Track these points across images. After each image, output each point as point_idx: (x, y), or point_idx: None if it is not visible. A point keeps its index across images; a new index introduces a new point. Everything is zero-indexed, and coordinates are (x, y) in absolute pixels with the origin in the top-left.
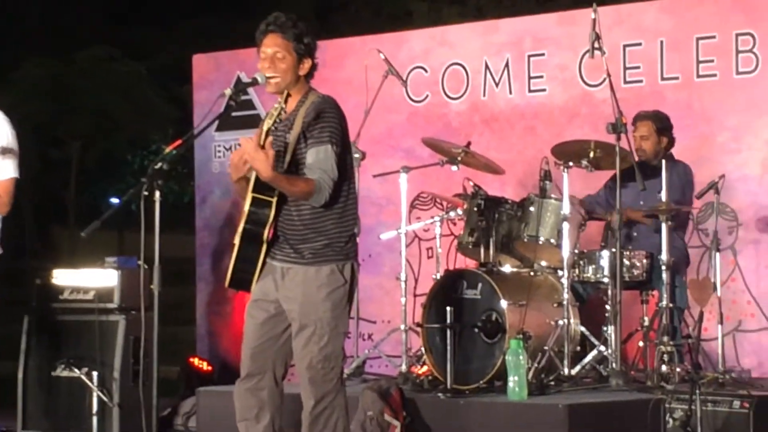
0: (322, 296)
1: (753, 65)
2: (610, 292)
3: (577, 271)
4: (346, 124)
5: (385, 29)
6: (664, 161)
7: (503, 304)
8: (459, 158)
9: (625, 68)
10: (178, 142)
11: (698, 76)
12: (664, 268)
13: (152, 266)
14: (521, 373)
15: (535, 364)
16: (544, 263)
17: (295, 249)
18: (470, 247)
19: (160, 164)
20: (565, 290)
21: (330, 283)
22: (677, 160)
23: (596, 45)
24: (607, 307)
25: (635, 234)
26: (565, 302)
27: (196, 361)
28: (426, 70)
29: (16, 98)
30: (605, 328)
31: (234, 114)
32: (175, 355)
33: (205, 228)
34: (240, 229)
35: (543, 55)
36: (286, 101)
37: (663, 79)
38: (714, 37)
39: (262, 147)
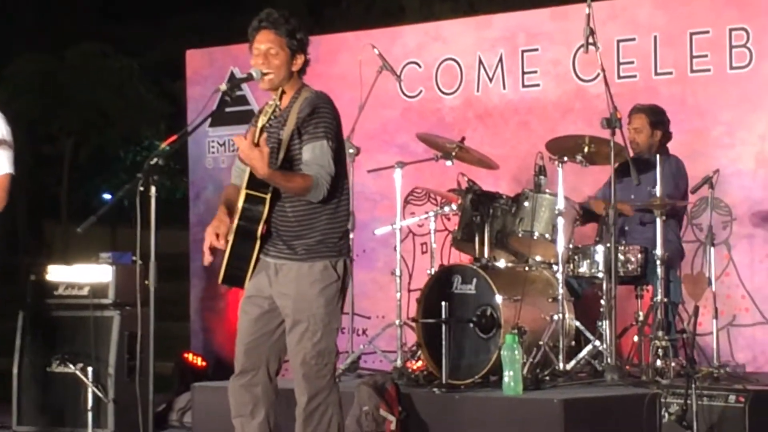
0: (315, 292)
1: (747, 60)
2: (604, 286)
3: (571, 266)
4: (339, 120)
5: (377, 25)
6: (658, 155)
7: (498, 299)
8: (453, 153)
9: (619, 63)
10: (174, 137)
11: (692, 71)
12: (658, 262)
13: (147, 262)
14: (516, 368)
15: (530, 359)
16: (538, 258)
17: (288, 245)
18: (465, 242)
19: (155, 160)
20: (560, 285)
21: (323, 279)
22: (671, 155)
23: (591, 40)
24: (602, 302)
25: (626, 228)
26: (560, 297)
27: (190, 356)
28: (420, 66)
29: (8, 94)
30: (600, 323)
31: (228, 110)
32: (169, 350)
33: (199, 224)
34: (234, 225)
35: (536, 50)
36: (280, 98)
37: (657, 74)
38: (708, 32)
39: (257, 145)
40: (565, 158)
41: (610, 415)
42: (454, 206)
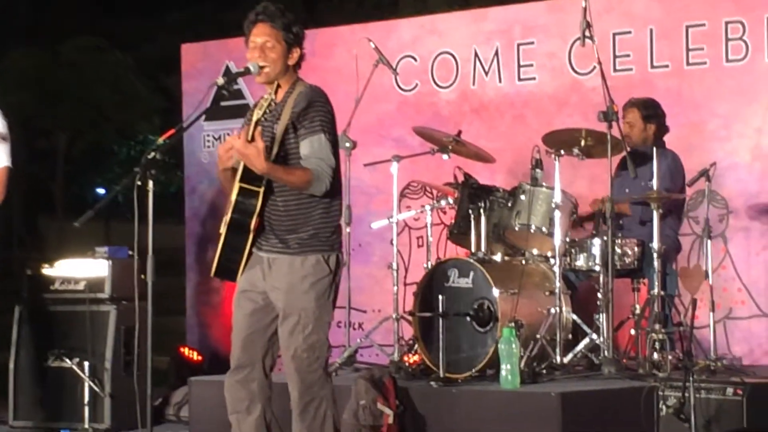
0: (306, 286)
1: (743, 53)
2: (601, 280)
3: (568, 259)
4: (334, 114)
5: (371, 19)
6: (654, 149)
7: (495, 292)
8: (449, 147)
9: (615, 56)
10: (171, 131)
11: (688, 63)
12: (655, 256)
13: (143, 256)
14: (513, 362)
15: (528, 353)
16: (535, 251)
17: (281, 239)
18: (461, 235)
19: (153, 154)
20: (557, 278)
21: (315, 273)
22: (667, 150)
23: (587, 33)
24: (599, 295)
25: (621, 222)
26: (556, 290)
27: (186, 351)
28: (415, 59)
29: (3, 89)
30: (597, 317)
31: (223, 104)
32: (165, 345)
33: (195, 218)
34: (227, 218)
35: (532, 43)
36: (276, 92)
37: (653, 67)
38: (704, 24)
39: (252, 140)
40: (562, 151)
41: (607, 409)
42: (450, 200)
